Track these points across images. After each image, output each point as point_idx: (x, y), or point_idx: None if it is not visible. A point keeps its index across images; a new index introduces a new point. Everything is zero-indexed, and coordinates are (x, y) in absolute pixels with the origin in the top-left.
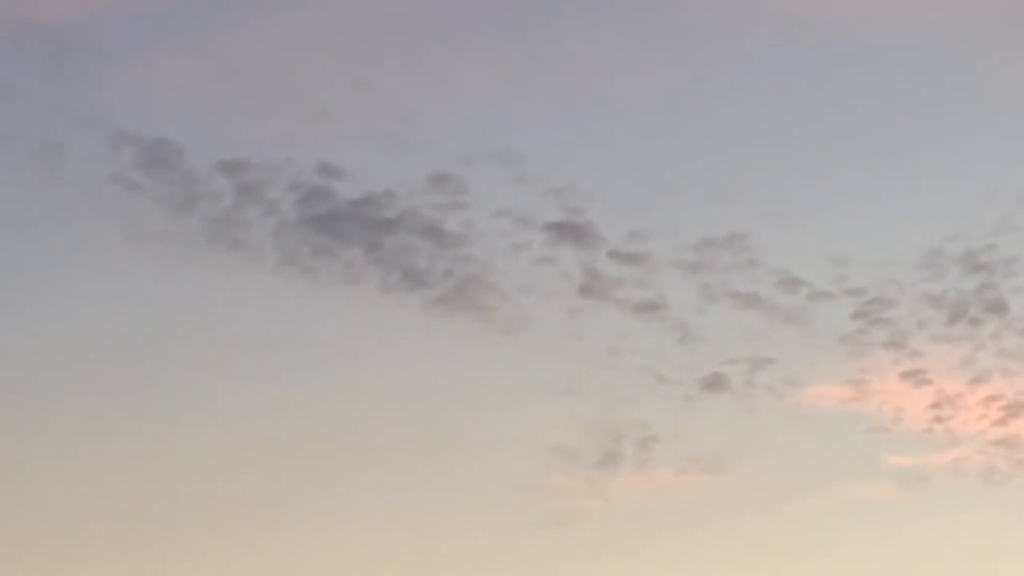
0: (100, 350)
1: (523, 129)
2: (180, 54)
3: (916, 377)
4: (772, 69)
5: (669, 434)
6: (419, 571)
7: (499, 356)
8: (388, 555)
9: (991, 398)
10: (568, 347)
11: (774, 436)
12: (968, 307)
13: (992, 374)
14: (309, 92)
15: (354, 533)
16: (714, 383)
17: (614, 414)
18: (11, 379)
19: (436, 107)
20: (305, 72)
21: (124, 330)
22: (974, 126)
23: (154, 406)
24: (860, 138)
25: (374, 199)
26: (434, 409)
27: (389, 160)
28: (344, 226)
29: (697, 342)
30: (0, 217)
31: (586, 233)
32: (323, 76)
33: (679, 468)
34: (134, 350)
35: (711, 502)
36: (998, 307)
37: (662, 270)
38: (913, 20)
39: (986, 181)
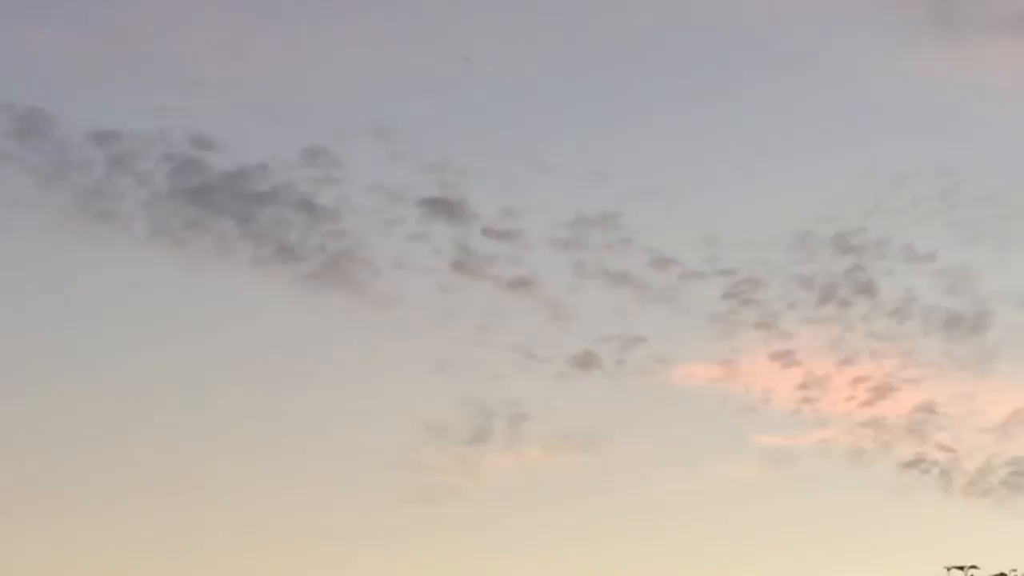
0: None
1: (398, 105)
2: (52, 23)
3: (785, 358)
4: (649, 50)
5: (539, 411)
6: (288, 544)
7: (371, 331)
8: (257, 528)
9: (859, 379)
10: (440, 323)
11: (644, 414)
12: (838, 289)
13: (860, 356)
14: (183, 63)
15: (222, 505)
16: (585, 361)
17: (485, 391)
18: None
19: (312, 81)
20: (179, 43)
21: None
22: (847, 110)
23: (24, 373)
24: (734, 120)
25: (248, 172)
26: (304, 383)
27: (263, 133)
28: (217, 198)
29: (569, 320)
30: None
31: (460, 210)
32: (198, 47)
33: (549, 445)
34: (2, 318)
35: (581, 479)
36: (868, 289)
37: (535, 247)
38: (788, 5)
39: (858, 164)
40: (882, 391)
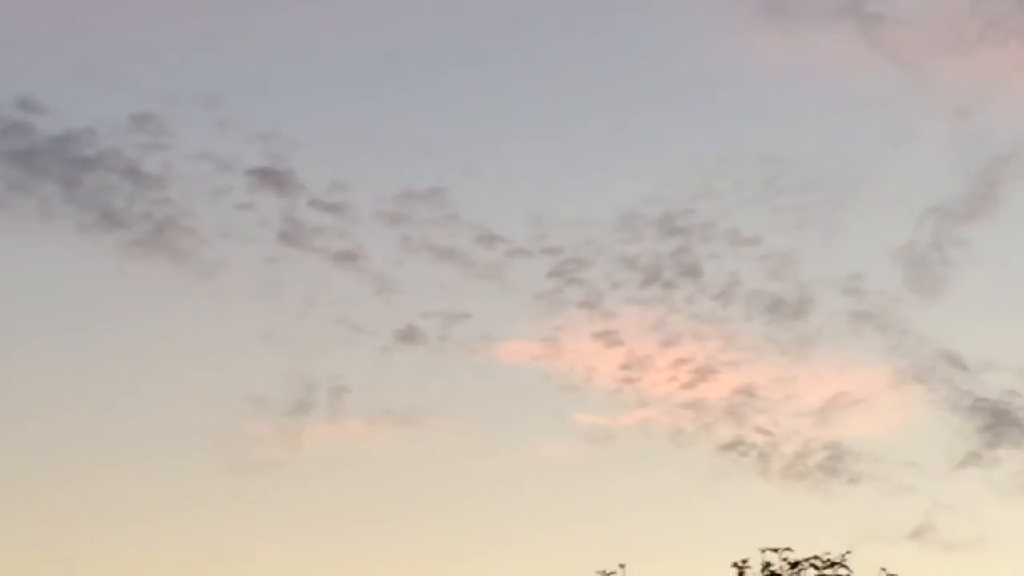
0: None
1: (229, 73)
2: None
3: (608, 337)
4: (478, 27)
5: (362, 385)
6: (108, 514)
7: (195, 301)
8: (78, 498)
9: (680, 361)
10: (265, 294)
11: (467, 390)
12: (663, 270)
13: (683, 337)
14: (10, 25)
15: (42, 473)
16: (409, 336)
17: (308, 363)
18: None
19: (141, 45)
20: (6, 5)
21: None
22: (676, 94)
23: None
24: (563, 99)
25: (74, 136)
26: (126, 351)
27: (91, 98)
28: (41, 162)
29: (394, 294)
30: None
31: (287, 181)
32: (25, 8)
33: (371, 419)
34: None
35: (402, 454)
36: (692, 271)
37: (362, 221)
38: None
39: (686, 148)
40: (703, 373)
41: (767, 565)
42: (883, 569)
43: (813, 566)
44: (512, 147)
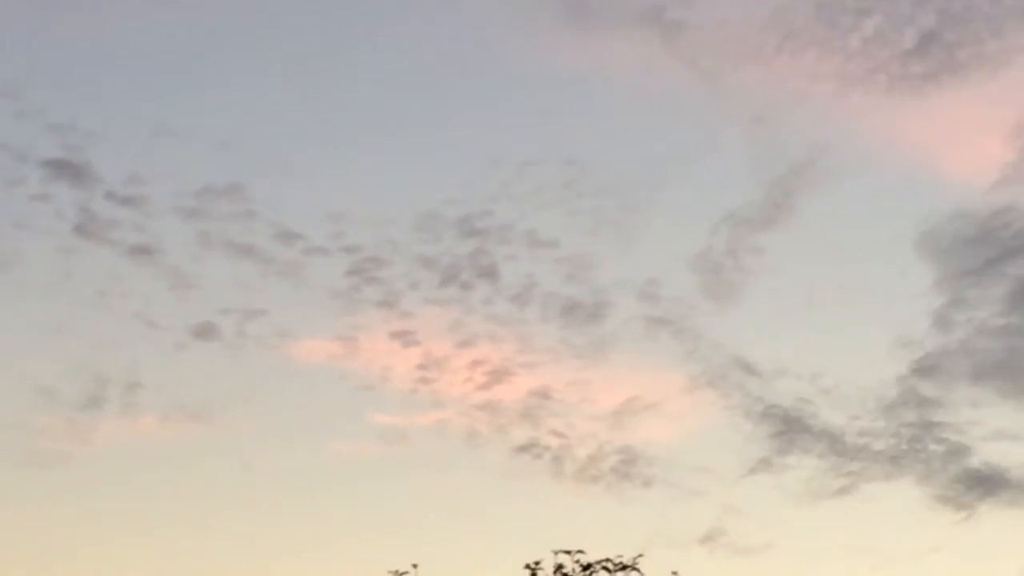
0: None
1: (26, 62)
2: None
3: (405, 337)
4: (281, 23)
5: (156, 381)
6: None
7: None
8: None
9: (477, 362)
10: (58, 287)
11: (263, 388)
12: (461, 271)
13: (479, 339)
14: None
15: None
16: (205, 332)
17: (101, 357)
18: None
19: None
20: None
21: None
22: (477, 96)
23: None
24: (363, 98)
25: None
26: None
27: None
28: None
29: (190, 289)
30: None
31: (84, 173)
32: None
33: (165, 415)
34: None
35: (197, 450)
36: (490, 273)
37: (159, 215)
38: None
39: (486, 150)
40: (499, 375)
41: (559, 567)
42: (674, 572)
43: (605, 568)
44: (312, 145)
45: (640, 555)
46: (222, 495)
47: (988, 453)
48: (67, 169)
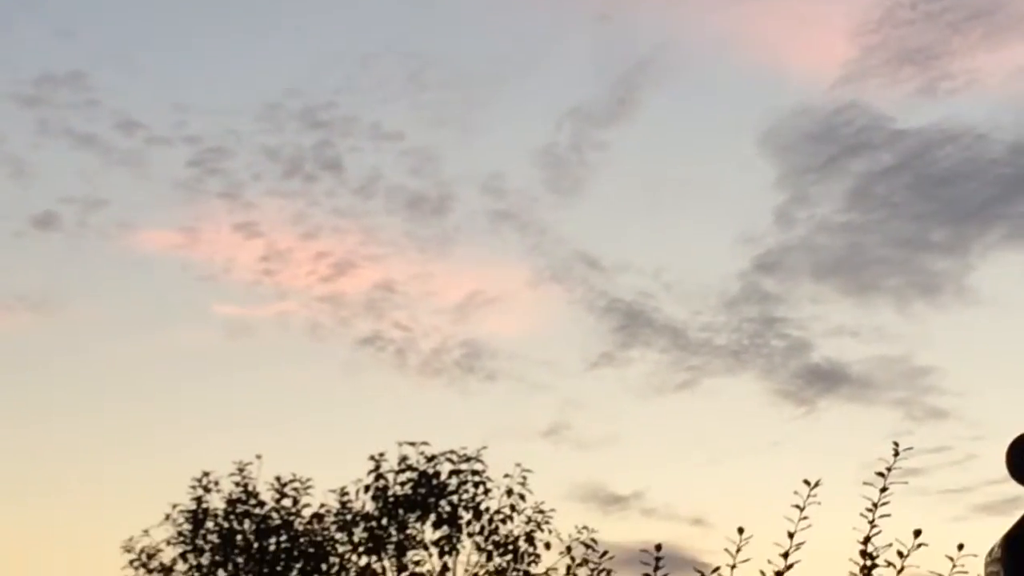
0: None
1: None
2: None
3: (248, 229)
4: None
5: None
6: None
7: None
8: None
9: (321, 255)
10: None
11: (104, 278)
12: (304, 163)
13: (323, 231)
14: None
15: None
16: (45, 221)
17: None
18: None
19: None
20: None
21: None
22: None
23: None
24: None
25: None
26: None
27: None
28: None
29: (30, 178)
30: None
31: None
32: None
33: (5, 306)
34: None
35: (38, 341)
36: (334, 165)
37: None
38: None
39: (330, 41)
40: (343, 267)
41: (404, 458)
42: (518, 464)
43: (449, 460)
44: (155, 33)
45: (484, 447)
46: (63, 387)
47: (828, 349)
48: None
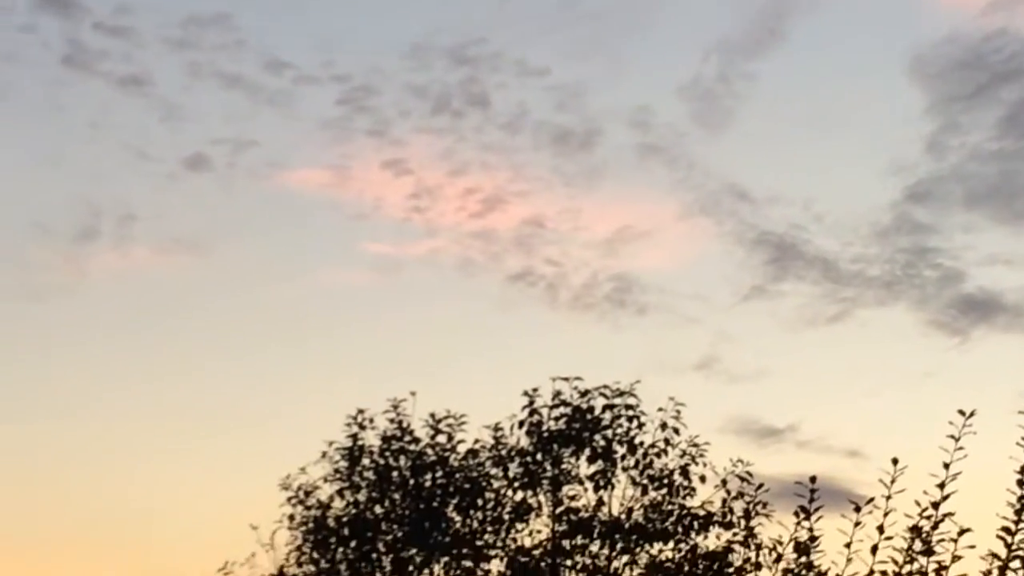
0: None
1: None
2: None
3: (397, 166)
4: None
5: (149, 213)
6: None
7: None
8: None
9: (469, 191)
10: (48, 119)
11: (255, 219)
12: (451, 100)
13: (471, 167)
14: None
15: None
16: (196, 163)
17: (94, 190)
18: None
19: None
20: None
21: None
22: None
23: None
24: None
25: None
26: None
27: None
28: None
29: (181, 121)
30: None
31: (71, 3)
32: None
33: (158, 247)
34: None
35: (190, 282)
36: (481, 101)
37: (148, 45)
38: None
39: None
40: (492, 203)
41: (557, 393)
42: (671, 398)
43: (602, 395)
44: None
45: (637, 381)
46: (218, 328)
47: (982, 278)
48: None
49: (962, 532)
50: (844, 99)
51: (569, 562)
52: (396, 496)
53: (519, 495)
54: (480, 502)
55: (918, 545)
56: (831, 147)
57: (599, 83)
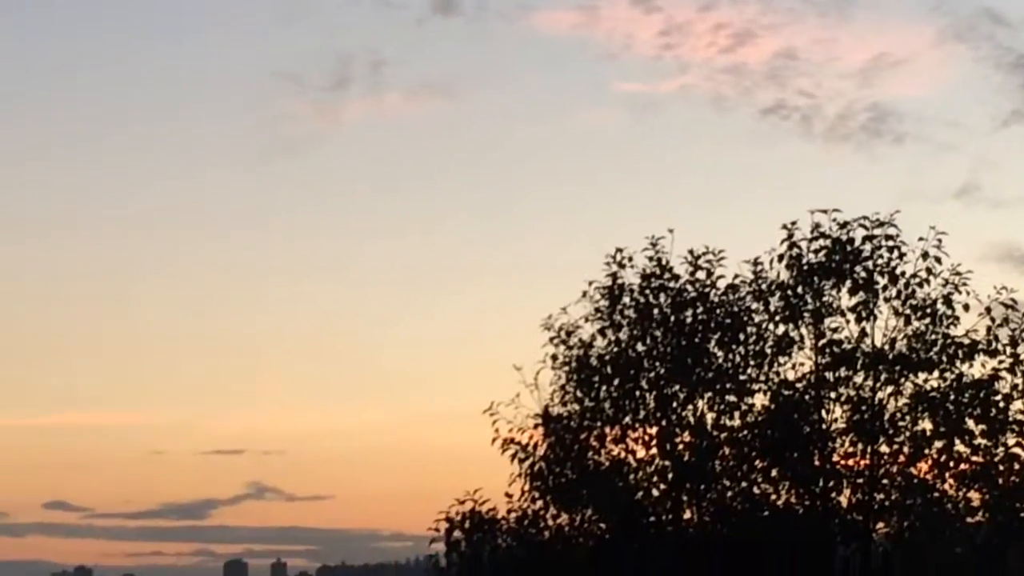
0: None
1: None
2: None
3: (646, 4)
4: None
5: (399, 59)
6: (146, 212)
7: None
8: (105, 204)
9: (719, 26)
10: None
11: (505, 62)
12: None
13: (720, 2)
14: None
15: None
16: (445, 6)
17: (341, 39)
18: None
19: None
20: None
21: None
22: None
23: None
24: None
25: None
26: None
27: None
28: None
29: None
30: None
31: None
32: None
33: (410, 93)
34: None
35: (441, 127)
36: None
37: None
38: None
39: None
40: (742, 37)
41: (816, 226)
42: (932, 227)
43: (862, 226)
44: None
45: (897, 211)
46: (468, 168)
47: None
48: None
49: None
50: None
51: (833, 394)
52: (657, 333)
53: (780, 328)
54: (742, 337)
55: None
56: None
57: None
